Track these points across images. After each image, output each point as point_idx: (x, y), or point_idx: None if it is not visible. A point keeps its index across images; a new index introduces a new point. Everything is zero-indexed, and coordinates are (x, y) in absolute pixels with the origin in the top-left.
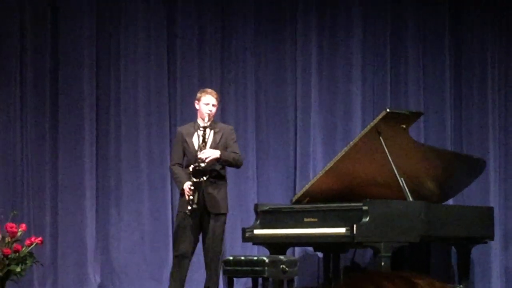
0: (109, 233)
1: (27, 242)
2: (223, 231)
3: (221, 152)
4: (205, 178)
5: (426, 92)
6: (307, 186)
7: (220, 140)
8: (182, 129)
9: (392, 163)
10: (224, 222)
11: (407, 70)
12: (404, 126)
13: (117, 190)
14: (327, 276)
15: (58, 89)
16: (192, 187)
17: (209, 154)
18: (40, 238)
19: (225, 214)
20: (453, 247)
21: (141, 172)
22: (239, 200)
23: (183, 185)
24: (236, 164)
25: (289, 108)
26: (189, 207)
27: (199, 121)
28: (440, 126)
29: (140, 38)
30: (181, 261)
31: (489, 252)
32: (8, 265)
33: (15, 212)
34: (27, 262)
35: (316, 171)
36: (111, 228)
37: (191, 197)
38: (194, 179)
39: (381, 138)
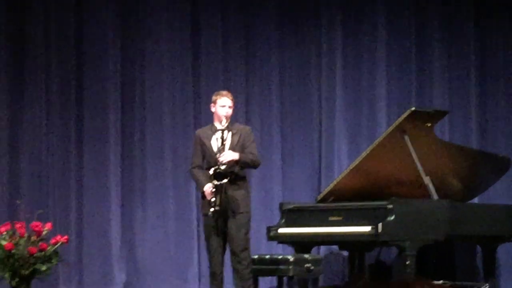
0: (134, 232)
1: (53, 241)
2: (248, 229)
3: (239, 154)
4: (226, 180)
5: (451, 91)
6: (331, 185)
7: (238, 141)
8: (200, 131)
9: (417, 161)
10: (249, 220)
11: (432, 68)
12: (429, 125)
13: (142, 189)
14: (352, 274)
15: (83, 89)
16: (214, 189)
17: (228, 156)
18: (65, 237)
19: (247, 213)
20: (478, 246)
21: (165, 172)
22: (264, 199)
23: (203, 187)
24: (254, 166)
25: (314, 107)
26: (211, 209)
27: (216, 123)
28: (465, 125)
29: (164, 39)
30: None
31: None
32: (34, 263)
33: (40, 211)
34: (53, 260)
35: (341, 170)
36: (136, 227)
37: (212, 199)
38: (216, 182)
39: (406, 136)
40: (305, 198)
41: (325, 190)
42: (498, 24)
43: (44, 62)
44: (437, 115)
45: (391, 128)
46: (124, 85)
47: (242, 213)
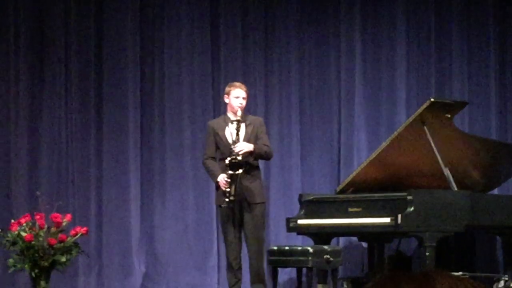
0: (154, 223)
1: (72, 232)
2: (263, 220)
3: (254, 145)
4: (241, 170)
5: (470, 81)
6: (351, 176)
7: (251, 132)
8: (213, 123)
9: (436, 152)
10: (264, 210)
11: (452, 59)
12: (449, 116)
13: (161, 180)
14: (372, 266)
15: (102, 79)
16: (229, 180)
17: (244, 147)
18: (85, 228)
19: (263, 203)
20: (498, 237)
21: (185, 162)
22: (284, 190)
23: (217, 178)
24: (267, 157)
25: (333, 98)
26: (226, 199)
27: (229, 114)
28: (485, 115)
29: (184, 30)
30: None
31: None
32: (54, 255)
33: (60, 203)
34: (72, 252)
35: (360, 161)
36: (155, 218)
37: (227, 189)
38: (231, 172)
39: (425, 127)
40: (324, 190)
41: (344, 181)
42: None
43: (64, 53)
44: (457, 106)
45: (410, 119)
46: (144, 76)
47: (258, 204)
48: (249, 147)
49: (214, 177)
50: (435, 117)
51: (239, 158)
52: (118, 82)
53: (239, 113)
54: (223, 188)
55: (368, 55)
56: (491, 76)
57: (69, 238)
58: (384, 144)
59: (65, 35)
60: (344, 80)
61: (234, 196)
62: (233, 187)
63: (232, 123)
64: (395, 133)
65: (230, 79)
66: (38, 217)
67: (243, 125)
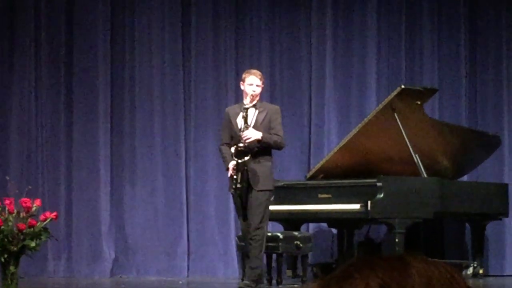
0: (124, 209)
1: (42, 217)
2: (266, 207)
3: (263, 134)
4: (246, 158)
5: (440, 68)
6: (321, 162)
7: (263, 120)
8: (229, 109)
9: (406, 139)
10: (268, 199)
11: (422, 46)
12: (419, 103)
13: (131, 166)
14: (341, 252)
15: (73, 64)
16: (235, 167)
17: (251, 134)
18: (54, 213)
19: (269, 191)
20: (467, 224)
21: (155, 148)
22: None
23: (228, 165)
24: (277, 147)
25: (304, 85)
26: (234, 186)
27: (245, 101)
28: (455, 103)
29: (154, 14)
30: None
31: (503, 228)
32: (23, 240)
33: (30, 187)
34: (42, 237)
35: (330, 147)
36: (125, 204)
37: (234, 177)
38: (237, 160)
39: (395, 114)
40: (294, 176)
41: (314, 168)
42: (489, 1)
43: (34, 37)
44: (427, 93)
45: (381, 106)
46: (114, 61)
47: (261, 191)
48: (257, 135)
49: (226, 164)
50: (406, 104)
51: (241, 145)
52: (88, 67)
53: (249, 100)
54: (231, 175)
55: (339, 41)
56: (461, 63)
57: (38, 223)
58: (354, 131)
59: (35, 21)
60: (315, 66)
61: (241, 183)
62: (239, 174)
63: (243, 111)
64: (366, 119)
65: (201, 64)
66: (7, 202)
67: (256, 112)
